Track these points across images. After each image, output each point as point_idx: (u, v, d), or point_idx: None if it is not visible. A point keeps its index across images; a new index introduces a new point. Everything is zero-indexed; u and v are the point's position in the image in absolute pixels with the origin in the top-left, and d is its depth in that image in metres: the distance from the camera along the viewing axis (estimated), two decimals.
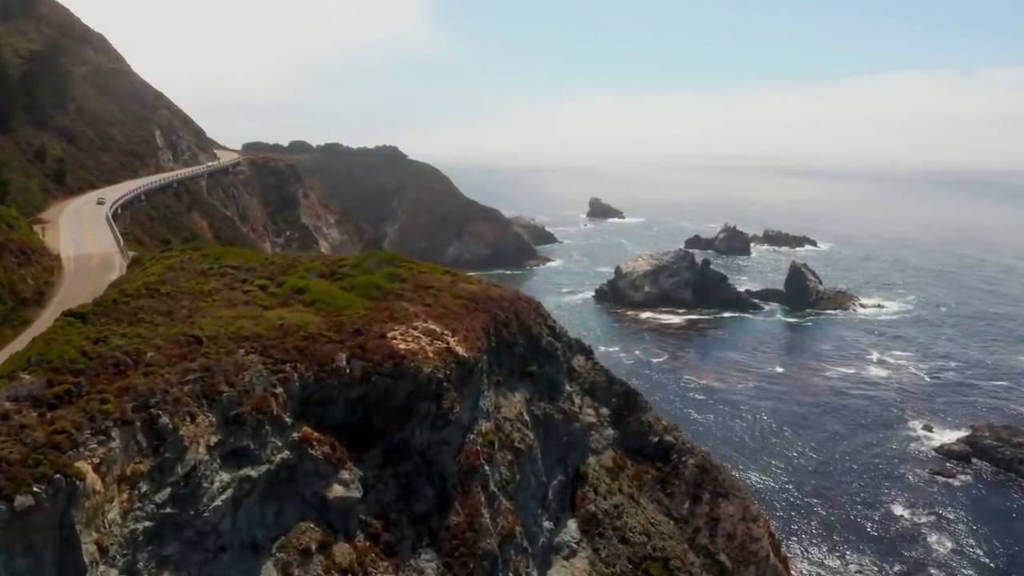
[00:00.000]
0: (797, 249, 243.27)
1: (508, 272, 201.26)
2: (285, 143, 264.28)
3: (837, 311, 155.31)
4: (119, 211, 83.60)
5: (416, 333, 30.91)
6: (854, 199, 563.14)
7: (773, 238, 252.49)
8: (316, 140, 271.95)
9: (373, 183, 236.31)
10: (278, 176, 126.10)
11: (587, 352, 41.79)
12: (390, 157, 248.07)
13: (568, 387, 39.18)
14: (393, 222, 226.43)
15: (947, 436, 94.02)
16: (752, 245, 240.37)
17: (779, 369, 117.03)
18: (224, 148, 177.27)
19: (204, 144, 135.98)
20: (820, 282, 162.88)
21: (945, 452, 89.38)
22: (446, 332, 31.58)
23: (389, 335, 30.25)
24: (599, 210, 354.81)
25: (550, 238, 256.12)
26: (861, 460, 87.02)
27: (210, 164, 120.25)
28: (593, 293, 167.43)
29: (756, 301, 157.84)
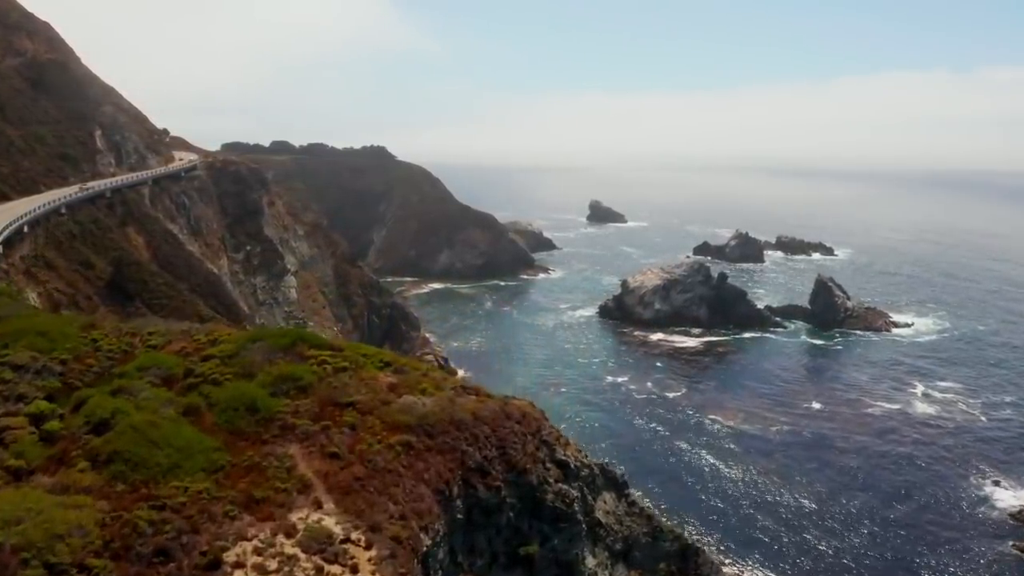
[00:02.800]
0: (813, 257, 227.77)
1: (503, 283, 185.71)
2: (267, 143, 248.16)
3: (868, 331, 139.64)
4: (25, 229, 67.98)
5: (291, 545, 15.15)
6: (857, 200, 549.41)
7: (787, 245, 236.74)
8: (300, 140, 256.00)
9: (359, 186, 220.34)
10: (239, 181, 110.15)
11: (618, 485, 26.15)
12: (377, 158, 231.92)
13: (590, 558, 23.45)
14: (380, 228, 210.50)
15: (1022, 496, 78.60)
16: (765, 252, 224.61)
17: (815, 405, 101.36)
18: (195, 149, 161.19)
19: (156, 145, 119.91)
20: (848, 297, 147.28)
21: None
22: (355, 537, 15.83)
23: (229, 559, 14.52)
24: (599, 214, 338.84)
25: (548, 244, 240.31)
26: (925, 530, 71.40)
27: (158, 169, 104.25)
28: (597, 310, 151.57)
29: (778, 319, 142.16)
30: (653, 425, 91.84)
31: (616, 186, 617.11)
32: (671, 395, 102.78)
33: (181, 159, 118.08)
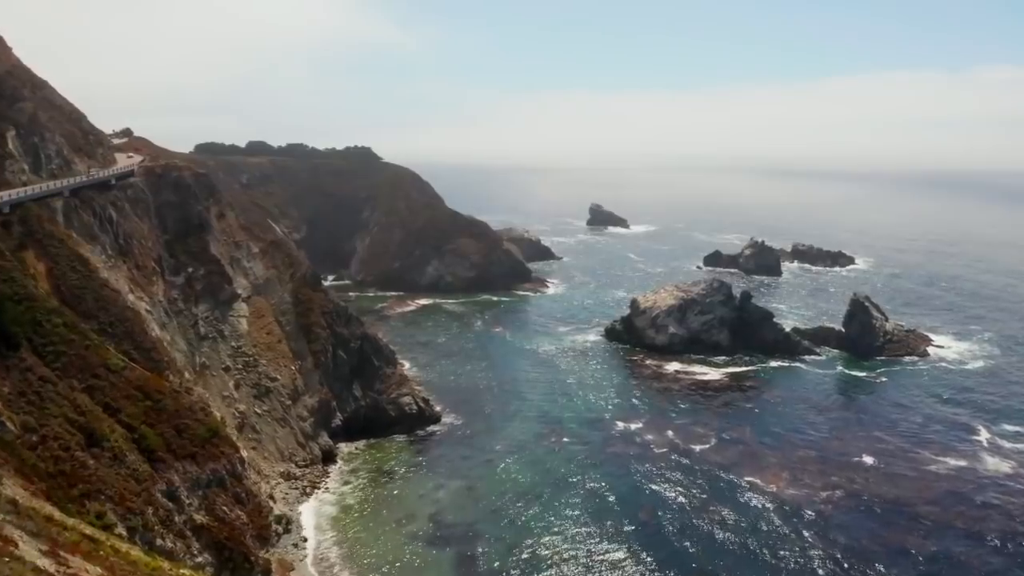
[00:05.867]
0: (834, 268, 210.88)
1: (496, 298, 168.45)
2: (244, 144, 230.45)
3: (913, 357, 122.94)
4: None
5: None
6: (861, 202, 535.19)
7: (804, 254, 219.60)
8: (281, 141, 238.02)
9: (342, 190, 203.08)
10: (181, 191, 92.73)
11: None
12: (362, 159, 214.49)
13: None
14: (363, 237, 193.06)
15: None
16: (782, 263, 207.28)
17: (867, 460, 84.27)
18: (159, 150, 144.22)
19: (89, 148, 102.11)
20: (886, 319, 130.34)
21: None
22: None
23: None
24: (600, 218, 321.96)
25: (547, 253, 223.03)
26: None
27: (79, 177, 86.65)
28: (603, 332, 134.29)
29: (807, 344, 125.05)
30: (678, 493, 74.60)
31: (615, 187, 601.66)
32: (697, 448, 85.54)
33: (100, 168, 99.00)
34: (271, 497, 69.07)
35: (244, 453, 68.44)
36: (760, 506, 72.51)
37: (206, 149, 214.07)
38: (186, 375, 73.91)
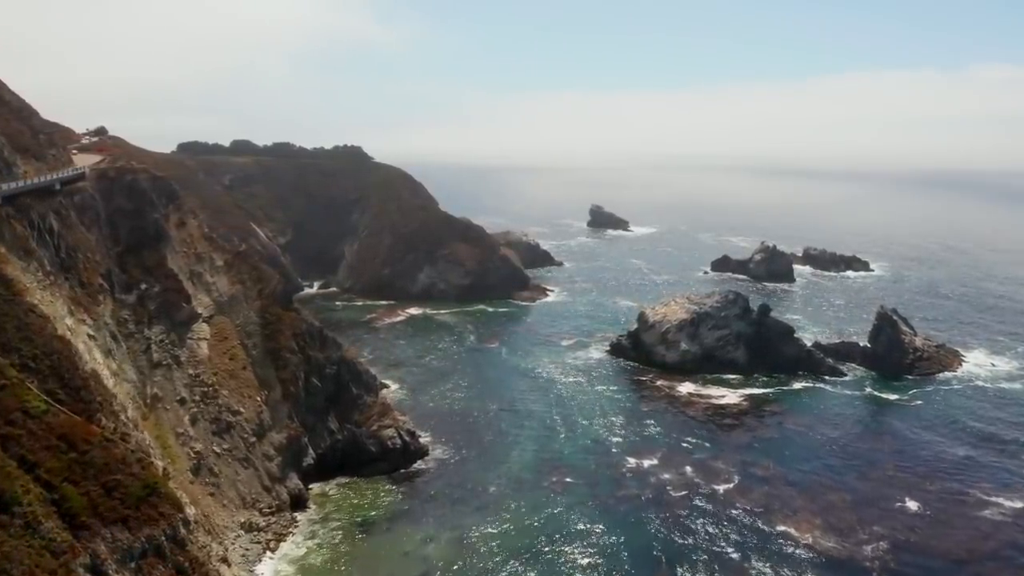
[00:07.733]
0: (848, 273, 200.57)
1: (491, 308, 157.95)
2: (227, 143, 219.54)
3: (946, 374, 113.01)
4: None
5: None
6: (863, 202, 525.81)
7: (816, 258, 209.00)
8: (268, 140, 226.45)
9: (330, 192, 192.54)
10: (136, 196, 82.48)
11: None
12: (352, 159, 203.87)
13: None
14: (352, 241, 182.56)
15: None
16: (793, 267, 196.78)
17: (910, 505, 74.07)
18: (132, 150, 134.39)
19: (39, 149, 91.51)
20: (915, 333, 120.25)
21: None
22: None
23: None
24: (601, 219, 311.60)
25: (546, 258, 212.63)
26: None
27: (15, 182, 76.11)
28: (608, 348, 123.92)
29: (831, 362, 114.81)
30: (701, 548, 64.32)
31: (615, 187, 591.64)
32: (720, 489, 75.28)
33: (46, 172, 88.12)
34: (224, 560, 58.69)
35: (191, 510, 58.04)
36: (796, 565, 62.28)
37: (188, 148, 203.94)
38: (128, 413, 63.48)
